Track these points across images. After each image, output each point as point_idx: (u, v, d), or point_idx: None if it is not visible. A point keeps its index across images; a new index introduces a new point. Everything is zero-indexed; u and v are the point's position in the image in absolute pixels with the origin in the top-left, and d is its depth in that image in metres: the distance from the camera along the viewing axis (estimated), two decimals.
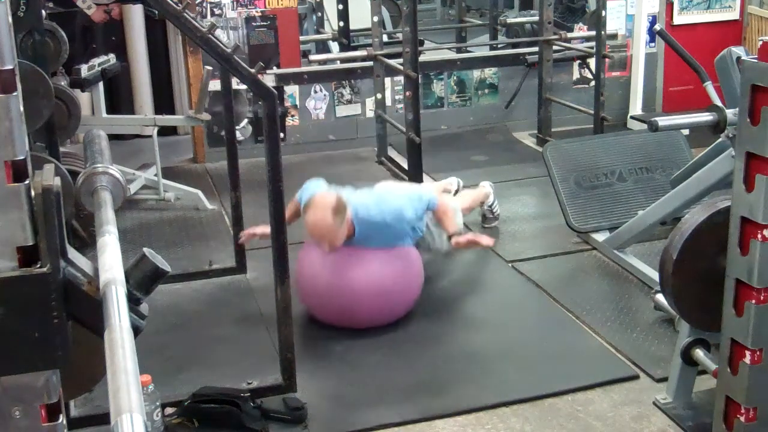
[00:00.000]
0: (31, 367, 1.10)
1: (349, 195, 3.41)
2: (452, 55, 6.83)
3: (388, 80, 5.73)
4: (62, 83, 4.52)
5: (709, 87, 3.25)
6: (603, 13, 5.37)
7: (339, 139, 6.00)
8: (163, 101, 6.57)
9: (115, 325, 1.05)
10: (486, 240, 3.56)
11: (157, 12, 4.55)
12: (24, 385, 1.10)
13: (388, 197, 3.51)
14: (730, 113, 2.95)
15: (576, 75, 6.45)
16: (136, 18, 6.36)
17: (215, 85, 4.70)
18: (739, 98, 2.30)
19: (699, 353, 2.72)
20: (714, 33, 6.20)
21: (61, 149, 3.37)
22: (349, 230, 3.31)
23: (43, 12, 3.26)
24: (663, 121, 3.18)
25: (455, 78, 6.31)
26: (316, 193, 3.31)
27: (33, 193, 1.09)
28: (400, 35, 5.08)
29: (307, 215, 3.25)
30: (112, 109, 5.85)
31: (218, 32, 5.27)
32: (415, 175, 4.69)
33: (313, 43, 7.02)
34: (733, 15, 6.37)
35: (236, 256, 3.97)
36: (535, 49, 6.00)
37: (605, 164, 4.30)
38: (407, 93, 4.63)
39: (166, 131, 6.02)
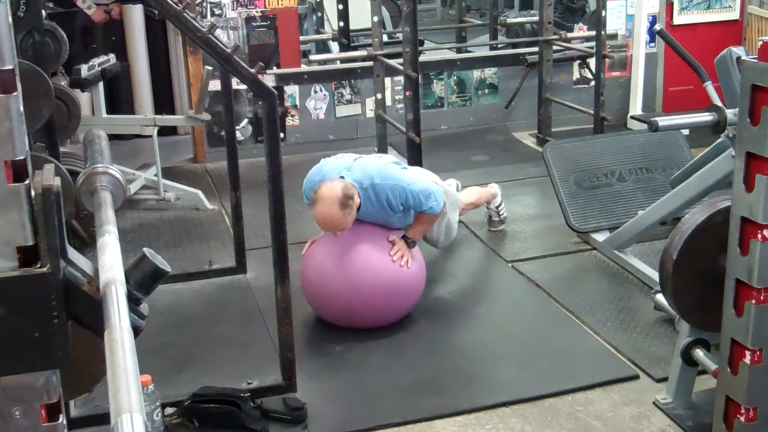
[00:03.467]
0: (31, 367, 1.10)
1: (352, 168, 3.38)
2: (452, 55, 6.83)
3: (388, 80, 5.73)
4: (62, 83, 4.52)
5: (709, 87, 3.25)
6: (603, 13, 5.37)
7: (339, 139, 6.00)
8: (163, 101, 6.57)
9: (115, 325, 1.05)
10: (406, 263, 3.38)
11: (157, 12, 4.55)
12: (24, 385, 1.10)
13: (395, 174, 3.44)
14: (730, 113, 2.95)
15: (576, 75, 6.45)
16: (136, 18, 6.36)
17: (215, 85, 4.70)
18: (739, 98, 2.30)
19: (699, 353, 2.72)
20: (714, 33, 6.20)
21: (61, 149, 3.37)
22: (357, 206, 3.31)
23: (43, 12, 3.26)
24: (663, 121, 3.18)
25: (455, 78, 6.31)
26: (322, 185, 3.29)
27: (33, 193, 1.09)
28: (400, 35, 5.07)
29: (316, 209, 3.25)
30: (112, 109, 5.85)
31: (218, 32, 5.26)
32: None
33: (313, 43, 7.02)
34: (733, 15, 6.37)
35: (236, 256, 3.97)
36: (535, 49, 6.00)
37: (605, 164, 4.30)
38: (407, 93, 4.63)
39: (166, 131, 6.02)
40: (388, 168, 3.45)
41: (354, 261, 3.34)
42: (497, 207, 4.43)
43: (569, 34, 6.07)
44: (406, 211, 3.44)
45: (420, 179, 3.50)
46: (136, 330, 1.16)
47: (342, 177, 3.33)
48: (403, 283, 3.40)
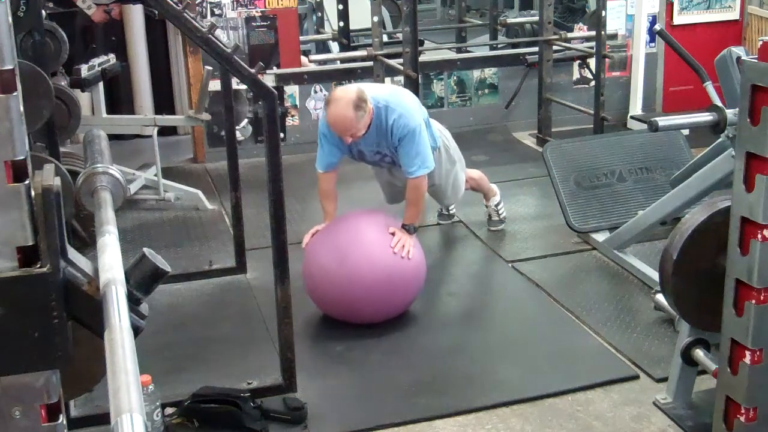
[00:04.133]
0: (31, 367, 1.10)
1: (368, 86, 3.48)
2: (452, 55, 6.83)
3: (388, 80, 5.72)
4: (62, 83, 4.51)
5: (709, 87, 3.25)
6: (603, 13, 5.37)
7: None
8: (163, 101, 6.57)
9: (115, 325, 1.04)
10: (408, 253, 3.38)
11: (157, 12, 4.55)
12: (24, 385, 1.10)
13: (408, 106, 3.50)
14: (730, 113, 2.95)
15: (576, 75, 6.45)
16: (136, 18, 6.36)
17: (215, 85, 4.70)
18: (739, 98, 2.30)
19: (699, 353, 2.72)
20: (714, 33, 6.19)
21: (61, 149, 3.37)
22: (370, 118, 3.36)
23: (43, 12, 3.26)
24: (663, 121, 3.18)
25: (455, 78, 6.31)
26: (336, 88, 3.36)
27: (33, 193, 1.09)
28: (400, 35, 5.08)
29: (329, 110, 3.30)
30: (112, 109, 5.85)
31: (218, 32, 5.25)
32: None
33: (313, 43, 7.02)
34: (733, 15, 6.36)
35: (236, 256, 3.97)
36: (535, 49, 6.00)
37: (605, 164, 4.30)
38: None
39: (166, 131, 6.02)
40: (403, 97, 3.53)
41: (355, 253, 3.34)
42: (496, 205, 4.43)
43: (569, 34, 6.08)
44: (398, 149, 3.48)
45: (425, 143, 3.53)
46: (136, 330, 1.16)
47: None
48: (404, 275, 3.39)
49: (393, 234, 3.39)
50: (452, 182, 3.97)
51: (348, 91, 3.32)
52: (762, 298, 2.25)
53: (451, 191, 4.01)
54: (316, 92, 5.97)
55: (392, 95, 3.53)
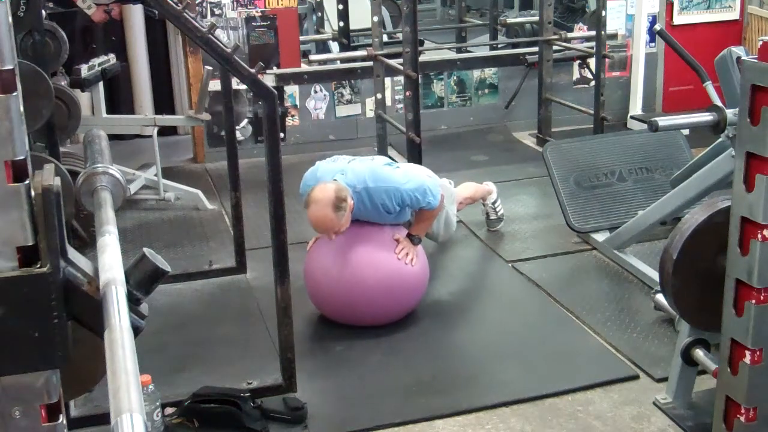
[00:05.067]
0: (31, 367, 1.10)
1: (346, 171, 3.38)
2: (452, 55, 6.83)
3: (388, 80, 5.73)
4: (62, 83, 4.52)
5: (709, 87, 3.25)
6: (603, 13, 5.37)
7: (339, 139, 6.00)
8: (163, 101, 6.57)
9: (115, 325, 1.05)
10: (411, 260, 3.39)
11: (157, 12, 4.55)
12: (24, 385, 1.10)
13: (388, 176, 3.42)
14: (730, 113, 2.95)
15: (576, 75, 6.45)
16: (136, 18, 6.36)
17: (215, 85, 4.70)
18: (739, 98, 2.30)
19: (699, 353, 2.72)
20: (714, 33, 6.19)
21: (61, 149, 3.37)
22: (351, 209, 3.31)
23: (43, 12, 3.26)
24: (663, 121, 3.18)
25: (455, 78, 6.31)
26: (315, 187, 3.30)
27: (33, 193, 1.09)
28: (400, 35, 5.07)
29: (309, 211, 3.25)
30: (112, 109, 5.85)
31: (218, 32, 5.27)
32: None
33: (313, 43, 7.02)
34: (733, 15, 6.37)
35: (236, 256, 3.97)
36: (535, 49, 6.00)
37: (605, 164, 4.30)
38: (407, 93, 4.62)
39: (166, 131, 6.02)
40: (381, 170, 3.44)
41: (358, 259, 3.34)
42: (493, 203, 4.43)
43: (569, 34, 6.07)
44: (402, 210, 3.44)
45: (414, 177, 3.49)
46: (136, 330, 1.16)
47: (335, 180, 3.33)
48: (407, 281, 3.40)
49: (397, 241, 3.40)
50: (443, 223, 3.98)
51: (326, 191, 3.23)
52: (762, 298, 2.25)
53: (444, 230, 4.02)
54: (316, 92, 5.97)
55: (370, 173, 3.40)
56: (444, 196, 3.70)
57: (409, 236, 3.46)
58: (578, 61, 6.34)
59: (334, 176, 3.35)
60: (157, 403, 2.68)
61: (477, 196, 4.38)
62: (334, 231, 3.28)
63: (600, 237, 4.11)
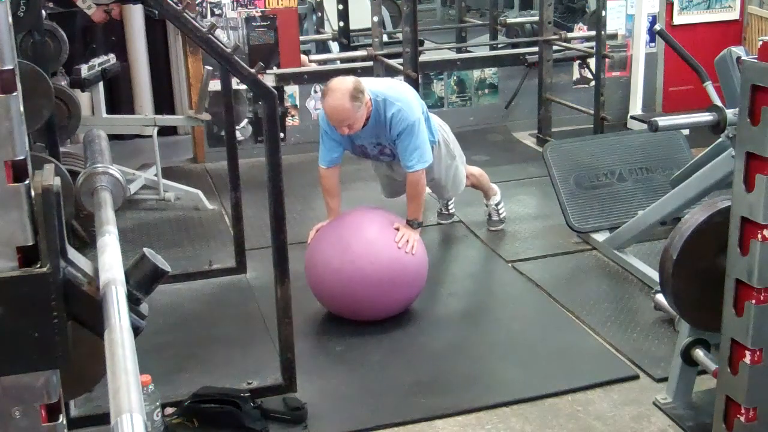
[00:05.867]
0: (31, 367, 1.10)
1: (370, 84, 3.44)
2: (452, 55, 6.83)
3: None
4: (62, 83, 4.52)
5: (709, 87, 3.25)
6: (603, 13, 5.37)
7: None
8: (163, 101, 6.57)
9: (115, 325, 1.05)
10: (412, 248, 3.38)
11: (157, 12, 4.55)
12: (24, 385, 1.10)
13: (411, 106, 3.48)
14: (730, 113, 2.95)
15: (576, 75, 6.45)
16: (136, 18, 6.36)
17: (215, 85, 4.70)
18: (739, 98, 2.30)
19: (699, 353, 2.72)
20: (714, 33, 6.19)
21: (61, 149, 3.37)
22: (368, 111, 3.33)
23: (43, 12, 3.26)
24: (663, 121, 3.18)
25: (455, 78, 6.31)
26: (333, 78, 3.32)
27: (33, 193, 1.09)
28: (400, 35, 5.08)
29: (325, 101, 3.26)
30: (112, 109, 5.85)
31: (218, 32, 5.26)
32: None
33: (313, 43, 7.02)
34: (733, 15, 6.36)
35: (236, 256, 3.97)
36: (535, 49, 6.00)
37: (605, 164, 4.30)
38: None
39: (166, 131, 6.02)
40: (408, 96, 3.49)
41: (359, 248, 3.34)
42: (497, 205, 4.42)
43: (569, 34, 6.08)
44: (396, 143, 3.47)
45: (424, 137, 3.51)
46: (136, 330, 1.16)
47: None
48: (407, 271, 3.39)
49: (397, 229, 3.40)
50: (452, 176, 3.98)
51: (344, 81, 3.27)
52: (762, 298, 2.25)
53: (452, 185, 4.02)
54: (316, 92, 5.96)
55: (391, 89, 3.51)
56: (458, 155, 3.92)
57: (408, 222, 3.46)
58: (578, 61, 6.34)
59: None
60: (157, 403, 2.68)
61: (483, 183, 4.38)
62: (348, 124, 3.27)
63: (600, 237, 4.11)
